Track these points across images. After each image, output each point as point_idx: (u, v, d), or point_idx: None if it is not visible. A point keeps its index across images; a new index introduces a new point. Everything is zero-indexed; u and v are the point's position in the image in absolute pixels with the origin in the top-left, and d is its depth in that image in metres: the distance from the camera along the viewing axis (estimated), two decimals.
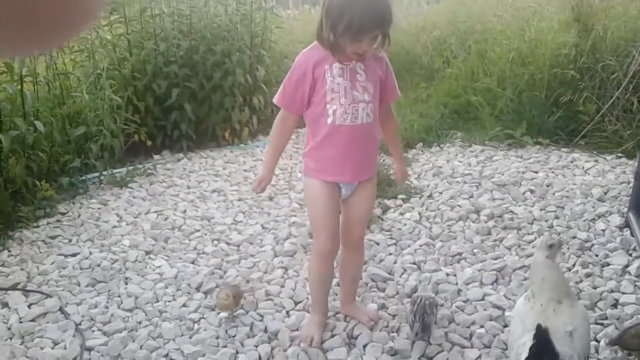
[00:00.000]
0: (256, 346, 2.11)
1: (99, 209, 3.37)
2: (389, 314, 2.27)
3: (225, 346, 2.10)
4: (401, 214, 3.17)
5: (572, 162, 3.74)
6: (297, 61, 1.93)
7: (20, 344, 2.13)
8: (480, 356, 2.00)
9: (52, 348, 2.12)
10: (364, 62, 1.89)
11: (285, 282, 2.53)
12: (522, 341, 1.61)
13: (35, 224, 3.12)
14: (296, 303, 2.38)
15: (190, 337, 2.16)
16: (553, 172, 3.58)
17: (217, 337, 2.16)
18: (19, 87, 3.28)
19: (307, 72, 1.88)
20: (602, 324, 2.13)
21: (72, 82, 3.95)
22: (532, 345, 1.58)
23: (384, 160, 4.01)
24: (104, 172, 3.78)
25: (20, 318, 2.28)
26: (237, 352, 2.06)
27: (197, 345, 2.11)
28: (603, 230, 2.81)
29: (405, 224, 3.01)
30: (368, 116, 1.93)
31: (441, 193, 3.38)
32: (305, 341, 2.08)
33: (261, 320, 2.27)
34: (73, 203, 3.43)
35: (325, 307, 2.20)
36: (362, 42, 1.79)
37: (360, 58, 1.87)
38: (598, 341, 2.02)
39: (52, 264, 2.73)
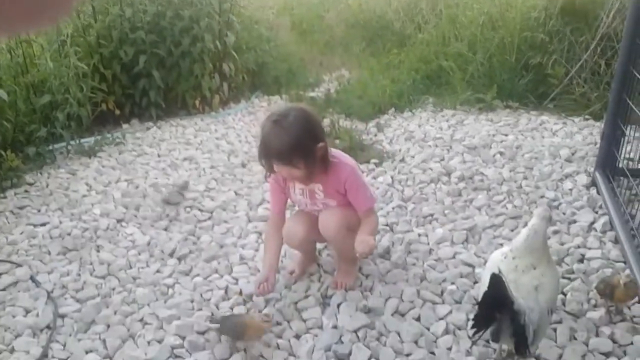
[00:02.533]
0: (231, 308, 2.12)
1: (67, 178, 3.31)
2: (363, 274, 2.30)
3: (201, 309, 2.11)
4: (374, 177, 3.18)
5: (541, 124, 3.80)
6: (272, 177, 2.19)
7: None
8: (451, 311, 2.04)
9: (25, 316, 2.10)
10: (323, 183, 2.10)
11: (259, 247, 2.53)
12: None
13: (2, 195, 3.05)
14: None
15: (165, 302, 2.16)
16: (522, 135, 3.63)
17: (192, 301, 2.17)
18: None
19: (279, 183, 2.20)
20: (569, 278, 2.19)
21: (36, 49, 3.84)
22: (485, 291, 1.62)
23: (355, 126, 4.02)
24: (72, 142, 3.70)
25: None
26: (212, 315, 2.07)
27: (172, 309, 2.11)
28: (570, 190, 2.87)
29: (378, 187, 3.03)
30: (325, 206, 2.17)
31: (413, 157, 3.40)
32: (290, 274, 2.28)
33: (236, 284, 2.28)
34: (40, 173, 3.36)
35: (305, 254, 2.33)
36: (274, 168, 2.02)
37: (303, 181, 2.08)
38: (565, 294, 2.09)
39: (22, 233, 2.68)
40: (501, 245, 2.41)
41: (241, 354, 1.88)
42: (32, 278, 2.32)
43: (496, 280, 1.59)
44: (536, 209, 1.96)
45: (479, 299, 1.71)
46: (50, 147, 3.60)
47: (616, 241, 2.40)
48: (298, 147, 1.94)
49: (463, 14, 4.92)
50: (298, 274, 2.29)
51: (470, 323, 1.77)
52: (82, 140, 3.79)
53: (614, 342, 1.86)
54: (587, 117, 3.86)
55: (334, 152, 2.15)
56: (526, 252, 1.72)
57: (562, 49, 4.23)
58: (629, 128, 2.73)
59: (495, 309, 1.60)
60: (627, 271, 2.13)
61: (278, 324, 2.02)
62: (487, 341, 1.82)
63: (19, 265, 2.40)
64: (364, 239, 1.99)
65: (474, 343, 1.87)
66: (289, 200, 2.27)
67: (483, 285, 1.70)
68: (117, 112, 4.27)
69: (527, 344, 1.61)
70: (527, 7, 4.42)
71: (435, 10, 5.45)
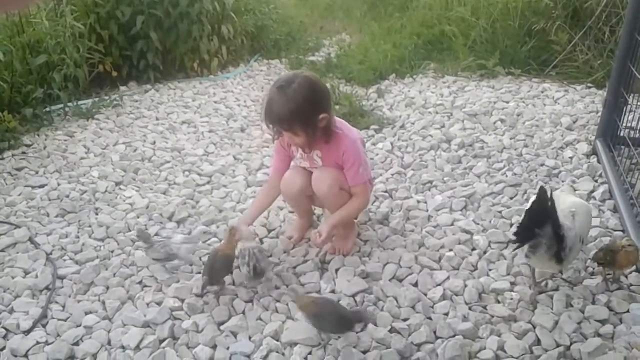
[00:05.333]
0: (231, 272, 2.13)
1: (65, 140, 3.28)
2: (361, 239, 2.30)
3: (199, 272, 2.12)
4: (373, 144, 3.17)
5: (542, 92, 3.76)
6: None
7: None
8: (448, 277, 2.05)
9: (24, 277, 2.11)
10: (323, 152, 2.13)
11: None
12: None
13: None
14: (269, 231, 2.39)
15: (163, 265, 2.16)
16: (523, 102, 3.60)
17: (191, 264, 2.17)
18: None
19: (282, 145, 2.24)
20: None
21: (31, 8, 3.76)
22: (533, 201, 1.77)
23: (355, 91, 3.98)
24: (69, 103, 3.66)
25: None
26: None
27: (171, 272, 2.11)
28: (570, 158, 2.86)
29: (377, 154, 3.02)
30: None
31: (413, 123, 3.38)
32: (288, 239, 2.30)
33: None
34: (38, 135, 3.34)
35: (303, 217, 2.37)
36: (280, 134, 2.10)
37: (303, 148, 2.11)
38: None
39: (19, 195, 2.68)
40: (500, 212, 2.42)
41: (239, 316, 1.89)
42: (30, 239, 2.32)
43: (543, 193, 1.72)
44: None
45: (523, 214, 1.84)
46: (47, 109, 3.57)
47: (615, 210, 2.40)
48: (299, 115, 1.96)
49: None
50: (296, 239, 2.30)
51: (512, 234, 1.89)
52: (79, 102, 3.75)
53: (610, 309, 1.87)
54: (589, 84, 3.82)
55: (340, 123, 2.16)
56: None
57: (567, 15, 4.16)
58: (631, 96, 2.70)
59: (538, 222, 1.74)
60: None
61: (276, 287, 2.03)
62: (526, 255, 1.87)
63: (17, 226, 2.40)
64: (319, 230, 2.08)
65: (513, 250, 2.08)
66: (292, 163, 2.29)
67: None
68: (115, 73, 4.22)
69: (564, 254, 1.77)
70: None
71: None
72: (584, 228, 1.93)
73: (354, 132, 2.20)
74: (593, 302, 1.92)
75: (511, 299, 1.93)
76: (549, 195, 1.72)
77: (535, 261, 1.89)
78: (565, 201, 1.94)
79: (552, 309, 1.89)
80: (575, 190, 2.25)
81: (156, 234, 2.36)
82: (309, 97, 1.98)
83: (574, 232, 1.81)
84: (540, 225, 1.74)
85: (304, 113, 1.97)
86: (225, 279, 2.02)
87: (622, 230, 2.25)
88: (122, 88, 4.21)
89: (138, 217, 2.50)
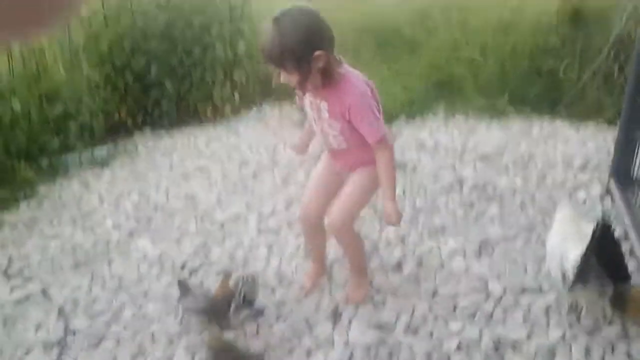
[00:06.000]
0: (242, 321, 2.11)
1: (79, 189, 3.33)
2: (374, 287, 2.28)
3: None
4: None
5: (553, 131, 3.75)
6: None
7: (3, 329, 2.11)
8: (464, 327, 2.02)
9: (36, 332, 2.11)
10: (329, 102, 1.97)
11: (269, 260, 2.53)
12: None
13: (15, 206, 3.07)
14: (281, 280, 2.38)
15: (175, 317, 2.16)
16: (535, 143, 3.59)
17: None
18: None
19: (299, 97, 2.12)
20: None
21: (48, 58, 3.87)
22: (594, 230, 1.81)
23: None
24: (84, 152, 3.72)
25: (1, 303, 2.26)
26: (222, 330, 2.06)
27: (182, 325, 2.10)
28: (584, 200, 2.83)
29: None
30: (341, 145, 2.05)
31: (424, 166, 3.38)
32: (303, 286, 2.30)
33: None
34: (53, 184, 3.39)
35: (316, 262, 2.35)
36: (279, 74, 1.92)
37: (300, 89, 1.98)
38: (580, 310, 2.05)
39: (34, 246, 2.70)
40: (514, 258, 2.39)
41: None
42: (43, 292, 2.33)
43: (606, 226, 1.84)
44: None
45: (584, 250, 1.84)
46: (63, 158, 3.63)
47: (631, 253, 2.36)
48: (289, 50, 1.80)
49: (474, 18, 4.88)
50: (309, 289, 2.28)
51: (577, 264, 1.86)
52: (95, 151, 3.81)
53: (630, 358, 1.83)
54: (600, 123, 3.81)
55: (348, 69, 2.00)
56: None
57: (575, 54, 4.18)
58: None
59: (600, 253, 1.82)
60: None
61: (288, 340, 2.01)
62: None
63: (30, 279, 2.41)
64: (391, 213, 1.98)
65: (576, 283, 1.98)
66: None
67: (552, 255, 2.01)
68: (130, 121, 4.29)
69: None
70: (538, 12, 4.37)
71: (446, 15, 5.41)
72: None
73: (361, 83, 1.99)
74: (612, 351, 1.87)
75: (528, 349, 1.89)
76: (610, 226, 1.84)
77: (586, 293, 1.94)
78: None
79: (570, 359, 1.85)
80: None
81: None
82: (304, 31, 1.82)
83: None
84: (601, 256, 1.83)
85: (295, 49, 1.80)
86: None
87: None
88: (137, 135, 4.28)
89: (150, 268, 2.51)
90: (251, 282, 1.99)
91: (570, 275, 1.86)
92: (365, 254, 2.34)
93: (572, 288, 1.87)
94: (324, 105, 1.98)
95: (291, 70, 1.85)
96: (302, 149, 2.31)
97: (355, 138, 1.99)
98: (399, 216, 2.00)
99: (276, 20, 1.82)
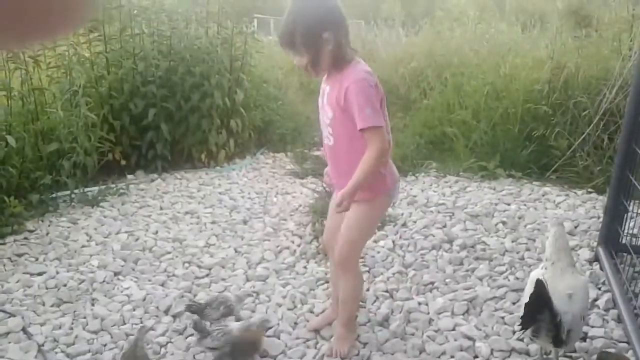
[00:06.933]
0: None
1: (68, 227, 3.30)
2: (360, 342, 2.25)
3: None
4: (375, 241, 3.16)
5: (543, 195, 3.80)
6: None
7: None
8: None
9: None
10: (331, 86, 1.94)
11: (256, 307, 2.50)
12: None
13: (1, 241, 3.04)
14: (267, 328, 2.34)
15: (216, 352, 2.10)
16: (525, 205, 3.63)
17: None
18: None
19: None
20: (570, 357, 2.14)
21: (48, 98, 3.91)
22: (531, 293, 1.86)
23: None
24: (76, 190, 3.71)
25: None
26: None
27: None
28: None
29: (378, 252, 3.01)
30: (328, 139, 2.02)
31: (415, 222, 3.40)
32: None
33: None
34: (42, 220, 3.36)
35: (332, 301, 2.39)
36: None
37: (312, 70, 1.94)
38: None
39: (17, 282, 2.66)
40: (502, 318, 2.38)
41: None
42: (24, 329, 2.28)
43: (540, 285, 1.83)
44: (550, 222, 2.22)
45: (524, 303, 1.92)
46: (54, 195, 3.61)
47: (619, 320, 2.35)
48: (299, 29, 1.84)
49: (468, 83, 5.02)
50: (311, 325, 2.35)
51: (518, 322, 1.97)
52: (86, 189, 3.80)
53: None
54: (590, 190, 3.87)
55: (359, 61, 1.96)
56: (560, 254, 2.01)
57: (565, 122, 4.29)
58: (632, 204, 2.73)
59: (538, 310, 1.85)
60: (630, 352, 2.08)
61: None
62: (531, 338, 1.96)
63: (12, 315, 2.36)
64: (343, 194, 1.90)
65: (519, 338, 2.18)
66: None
67: (526, 296, 1.96)
68: (123, 162, 4.31)
69: (562, 338, 1.87)
70: (530, 80, 4.51)
71: (441, 77, 5.57)
72: (583, 306, 2.01)
73: (366, 73, 1.91)
74: None
75: None
76: (545, 286, 1.84)
77: (540, 343, 2.01)
78: (561, 283, 1.96)
79: None
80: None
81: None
82: (314, 10, 1.87)
83: (570, 315, 1.89)
84: (540, 312, 1.86)
85: (305, 26, 1.84)
86: None
87: (627, 342, 2.20)
88: (129, 176, 4.28)
89: (134, 310, 2.46)
90: (234, 301, 2.03)
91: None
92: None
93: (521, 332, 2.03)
94: (327, 89, 1.97)
95: (301, 51, 1.88)
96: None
97: (342, 132, 1.95)
98: (347, 207, 1.93)
99: (294, 1, 1.88)
